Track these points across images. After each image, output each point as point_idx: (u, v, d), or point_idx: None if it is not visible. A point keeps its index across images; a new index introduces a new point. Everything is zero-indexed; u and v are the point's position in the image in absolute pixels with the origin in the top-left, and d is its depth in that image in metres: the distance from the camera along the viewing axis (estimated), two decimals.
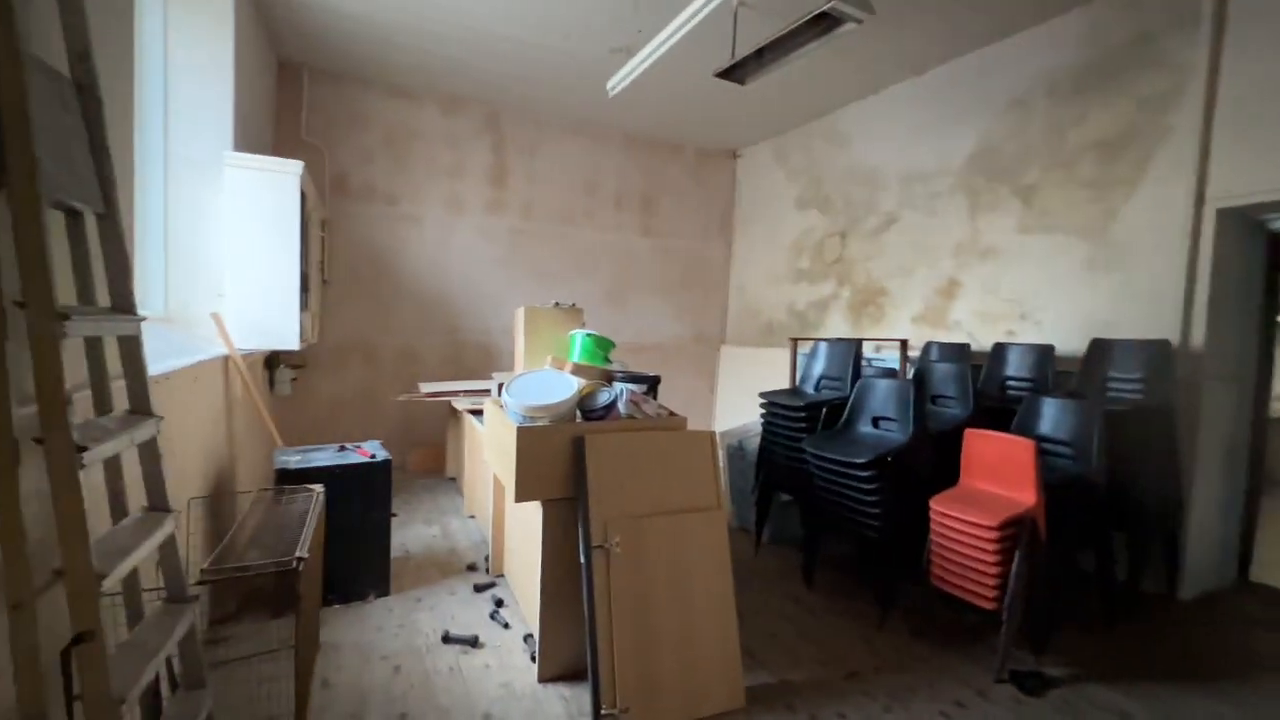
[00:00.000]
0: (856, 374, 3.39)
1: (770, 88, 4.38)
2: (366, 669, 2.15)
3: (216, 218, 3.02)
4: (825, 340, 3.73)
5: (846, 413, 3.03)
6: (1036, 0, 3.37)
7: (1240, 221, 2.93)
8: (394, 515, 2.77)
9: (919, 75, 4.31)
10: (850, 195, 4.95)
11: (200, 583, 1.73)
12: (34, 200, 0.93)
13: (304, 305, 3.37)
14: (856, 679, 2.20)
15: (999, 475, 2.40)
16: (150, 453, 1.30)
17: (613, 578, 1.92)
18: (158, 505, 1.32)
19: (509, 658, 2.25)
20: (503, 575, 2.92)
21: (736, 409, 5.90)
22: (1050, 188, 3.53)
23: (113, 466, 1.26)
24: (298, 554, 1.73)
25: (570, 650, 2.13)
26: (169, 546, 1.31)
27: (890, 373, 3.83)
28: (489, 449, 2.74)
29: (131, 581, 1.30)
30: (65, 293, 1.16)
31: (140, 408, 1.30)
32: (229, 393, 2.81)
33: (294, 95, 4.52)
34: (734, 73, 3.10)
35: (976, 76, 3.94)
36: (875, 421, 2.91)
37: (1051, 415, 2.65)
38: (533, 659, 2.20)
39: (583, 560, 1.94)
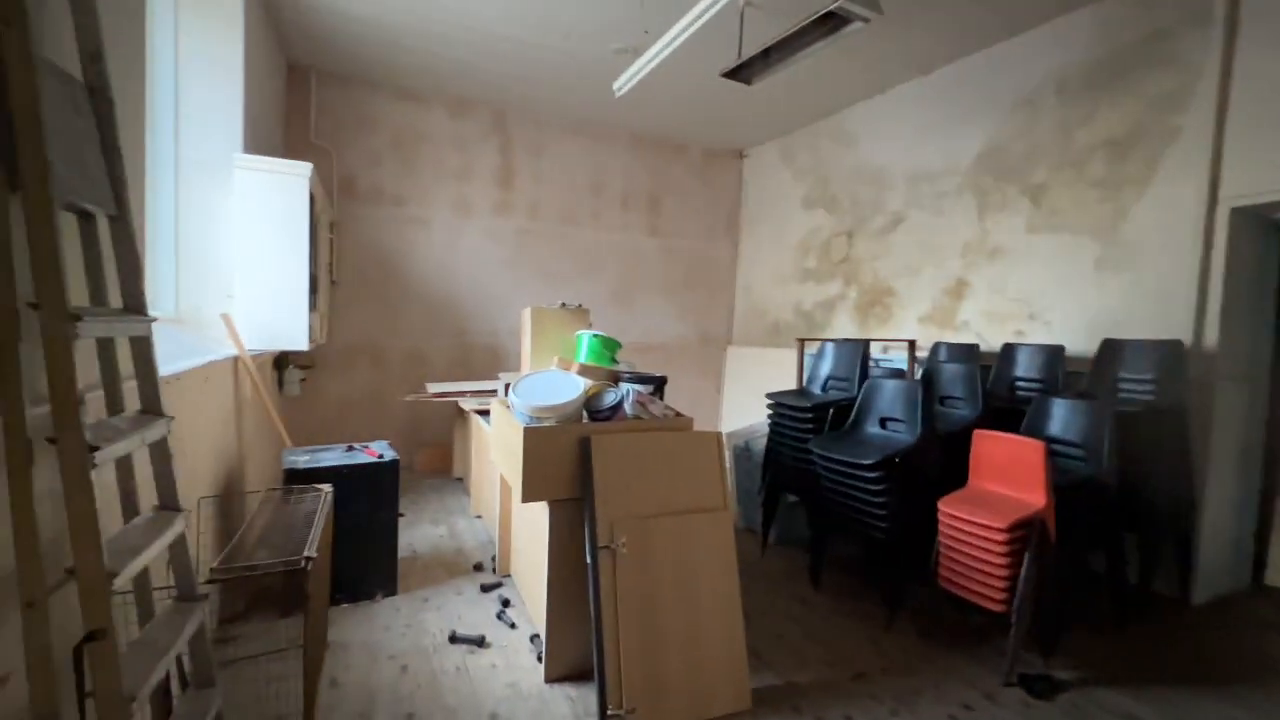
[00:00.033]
0: (864, 374, 3.37)
1: (777, 87, 4.37)
2: (374, 668, 2.16)
3: (226, 219, 3.04)
4: (832, 341, 3.71)
5: (854, 413, 3.01)
6: None
7: (1254, 220, 2.89)
8: (401, 515, 2.78)
9: (926, 75, 4.29)
10: (857, 195, 4.93)
11: (210, 581, 1.74)
12: (47, 203, 0.94)
13: (313, 306, 3.39)
14: (863, 681, 2.19)
15: (1008, 476, 2.38)
16: (161, 452, 1.31)
17: (619, 578, 1.92)
18: (168, 505, 1.33)
19: (515, 658, 2.26)
20: (509, 575, 2.92)
21: (743, 409, 5.89)
22: (1059, 187, 3.50)
23: (124, 466, 1.28)
24: (306, 554, 1.74)
25: (577, 650, 2.13)
26: (179, 546, 1.32)
27: (898, 373, 3.81)
28: (496, 449, 2.75)
29: (142, 580, 1.31)
30: (78, 294, 1.17)
31: (151, 408, 1.31)
32: (238, 393, 2.83)
33: (303, 97, 4.56)
34: (740, 73, 3.10)
35: (984, 76, 3.91)
36: (883, 422, 2.90)
37: (1062, 416, 2.62)
38: (539, 659, 2.20)
39: (589, 561, 1.94)
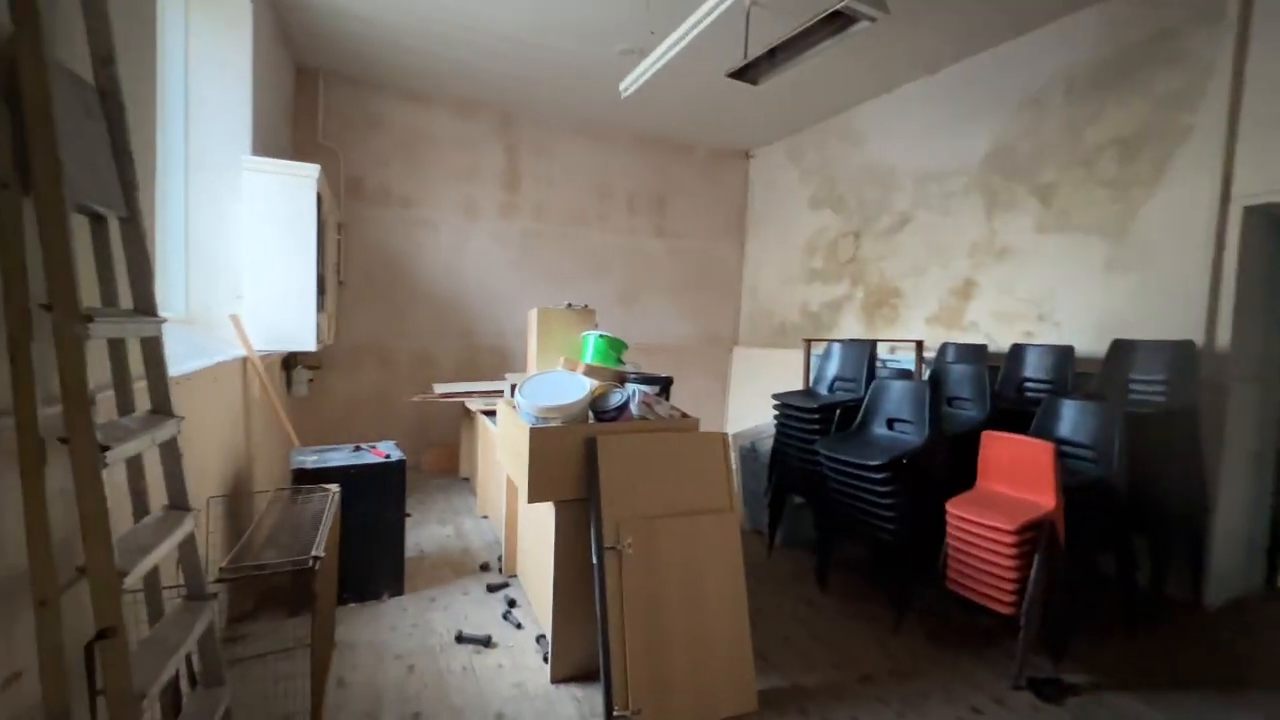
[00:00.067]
0: (871, 375, 3.36)
1: (783, 87, 4.36)
2: (381, 668, 2.17)
3: (235, 221, 3.06)
4: (839, 341, 3.70)
5: (861, 414, 3.00)
6: None
7: (1267, 219, 2.86)
8: (408, 515, 2.79)
9: (933, 74, 4.26)
10: (864, 195, 4.91)
11: (219, 581, 1.75)
12: (59, 205, 0.95)
13: (320, 307, 3.41)
14: (870, 683, 2.18)
15: (1017, 478, 2.36)
16: (171, 452, 1.32)
17: (625, 579, 1.92)
18: (178, 504, 1.34)
19: (522, 658, 2.26)
20: (515, 576, 2.93)
21: (749, 410, 5.88)
22: (1068, 187, 3.47)
23: (134, 466, 1.29)
24: (314, 553, 1.75)
25: (583, 651, 2.13)
26: (189, 545, 1.33)
27: (905, 374, 3.80)
28: (502, 450, 2.75)
29: (152, 579, 1.32)
30: (89, 295, 1.19)
31: (161, 408, 1.32)
32: (247, 393, 2.85)
33: (310, 99, 4.58)
34: (747, 73, 3.09)
35: (991, 75, 3.89)
36: (890, 423, 2.88)
37: (1071, 417, 2.60)
38: (545, 659, 2.20)
39: (595, 561, 1.94)
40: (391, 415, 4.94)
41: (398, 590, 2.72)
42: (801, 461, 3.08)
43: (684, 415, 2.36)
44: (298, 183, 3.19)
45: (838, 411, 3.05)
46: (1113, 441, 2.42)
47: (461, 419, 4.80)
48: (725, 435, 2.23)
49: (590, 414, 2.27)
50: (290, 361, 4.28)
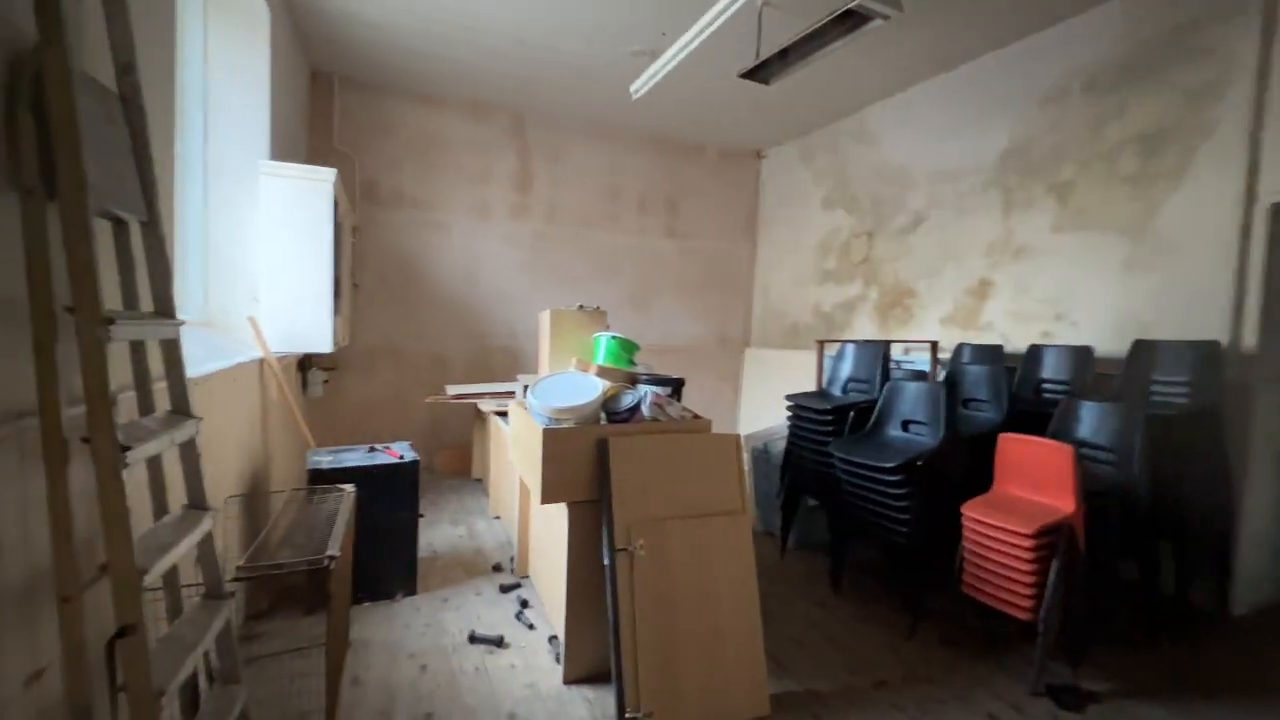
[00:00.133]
0: (885, 376, 3.32)
1: (795, 87, 4.34)
2: (395, 667, 2.19)
3: (253, 225, 3.11)
4: (852, 342, 3.67)
5: (875, 416, 2.97)
6: None
7: None
8: (421, 516, 2.81)
9: (948, 72, 4.22)
10: (877, 194, 4.86)
11: (236, 580, 1.77)
12: (82, 210, 0.97)
13: (336, 309, 3.45)
14: (885, 689, 2.15)
15: (1035, 481, 2.32)
16: (190, 452, 1.34)
17: (636, 581, 1.92)
18: (197, 503, 1.36)
19: (534, 659, 2.26)
20: (528, 576, 2.94)
21: (761, 412, 5.85)
22: (1087, 185, 3.41)
23: (154, 465, 1.31)
24: (329, 553, 1.77)
25: (595, 652, 2.13)
26: (207, 544, 1.35)
27: (920, 375, 3.75)
28: (514, 451, 2.77)
29: (171, 577, 1.34)
30: (111, 298, 1.21)
31: (180, 409, 1.34)
32: (264, 394, 2.89)
33: (326, 104, 4.64)
34: (759, 73, 3.08)
35: (1008, 72, 3.84)
36: (905, 425, 2.85)
37: (1091, 419, 2.56)
38: (557, 660, 2.21)
39: (607, 563, 1.94)
40: (405, 416, 4.98)
41: (411, 590, 2.74)
42: (815, 463, 3.06)
43: (696, 416, 2.35)
44: (314, 187, 3.23)
45: (851, 413, 3.03)
46: (1134, 444, 2.38)
47: (474, 420, 4.83)
48: (738, 436, 2.22)
49: (602, 415, 2.27)
50: (306, 363, 4.34)
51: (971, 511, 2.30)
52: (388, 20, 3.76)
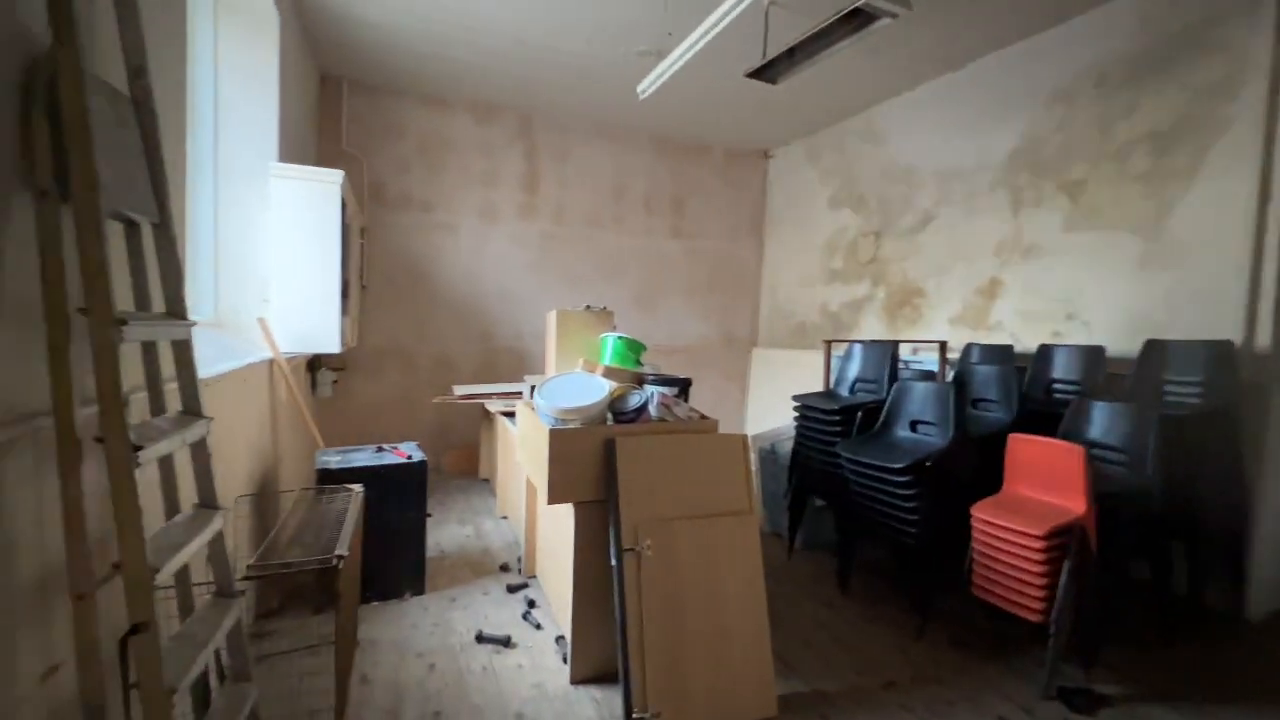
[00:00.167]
0: (893, 376, 3.31)
1: (802, 86, 4.32)
2: (403, 666, 2.20)
3: (262, 226, 3.13)
4: (860, 342, 3.65)
5: (883, 416, 2.96)
6: None
7: None
8: (429, 515, 2.82)
9: (956, 70, 4.19)
10: (885, 194, 4.84)
11: (246, 578, 1.79)
12: (95, 213, 0.98)
13: (344, 311, 3.47)
14: (893, 690, 2.14)
15: (1045, 482, 2.30)
16: (201, 452, 1.36)
17: (644, 581, 1.92)
18: (207, 503, 1.37)
19: (541, 658, 2.27)
20: (535, 576, 2.94)
21: (769, 412, 5.83)
22: (1099, 183, 3.38)
23: (166, 465, 1.32)
24: (338, 552, 1.78)
25: (602, 652, 2.13)
26: (218, 543, 1.36)
27: (928, 375, 3.73)
28: (522, 451, 2.77)
29: (183, 576, 1.36)
30: (123, 299, 1.22)
31: (192, 409, 1.35)
32: (274, 395, 2.91)
33: (335, 106, 4.68)
34: (765, 72, 3.07)
35: (1018, 69, 3.81)
36: (913, 425, 2.84)
37: (1102, 420, 2.53)
38: (565, 660, 2.21)
39: (614, 563, 1.94)
40: (413, 417, 5.00)
41: (419, 589, 2.75)
42: (822, 463, 3.04)
43: (703, 417, 2.35)
44: (323, 189, 3.25)
45: (859, 413, 3.01)
46: (1146, 445, 2.35)
47: (481, 420, 4.85)
48: (745, 437, 2.22)
49: (609, 416, 2.27)
50: (315, 364, 4.37)
51: (981, 512, 2.29)
52: (393, 23, 3.78)
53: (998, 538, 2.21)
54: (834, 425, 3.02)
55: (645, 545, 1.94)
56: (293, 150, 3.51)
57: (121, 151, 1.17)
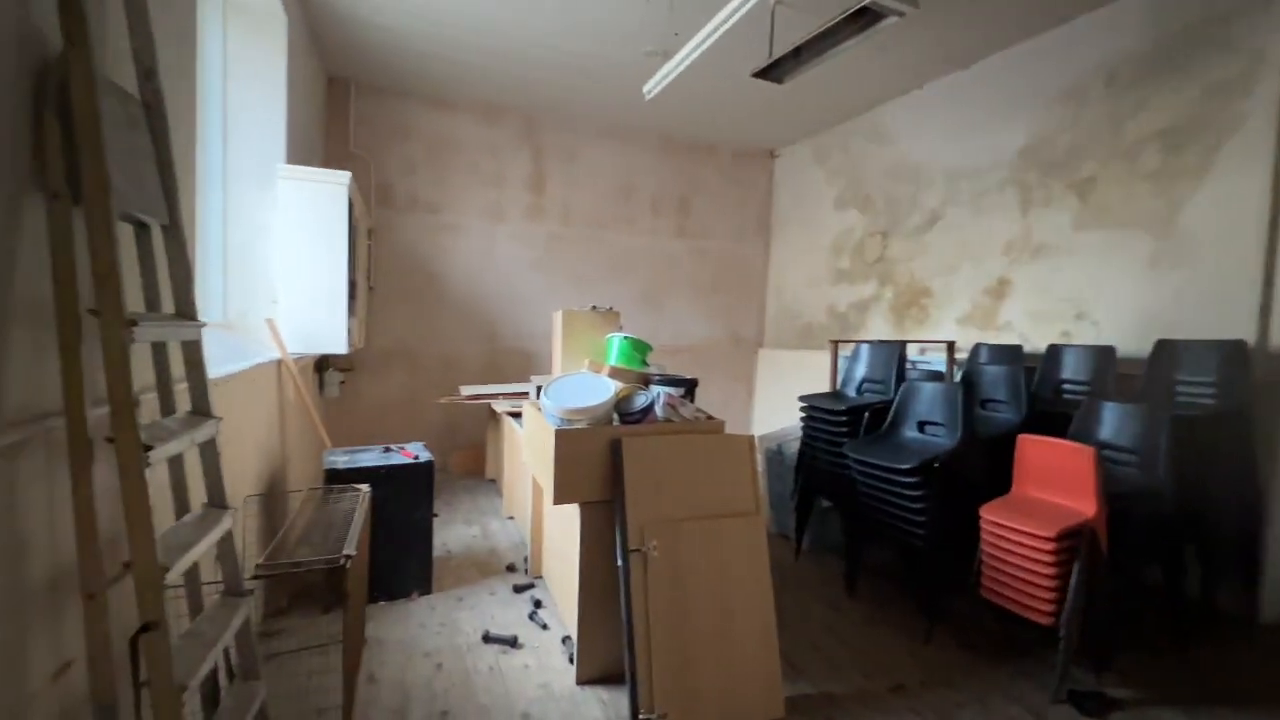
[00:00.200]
0: (900, 377, 3.29)
1: (809, 86, 4.31)
2: (410, 665, 2.20)
3: (271, 228, 3.15)
4: (867, 342, 3.63)
5: (890, 417, 2.94)
6: None
7: None
8: (436, 515, 2.83)
9: (965, 69, 4.17)
10: (892, 193, 4.82)
11: (255, 577, 1.80)
12: (106, 214, 0.99)
13: (352, 311, 3.49)
14: (901, 693, 2.12)
15: (1055, 483, 2.28)
16: (210, 452, 1.36)
17: (650, 582, 1.91)
18: (216, 502, 1.38)
19: (548, 659, 2.27)
20: (541, 577, 2.94)
21: (775, 413, 5.81)
22: (1109, 181, 3.35)
23: (176, 465, 1.33)
24: (346, 552, 1.79)
25: (608, 653, 2.12)
26: (227, 542, 1.37)
27: (936, 375, 3.71)
28: (528, 451, 2.77)
29: (192, 575, 1.37)
30: (133, 300, 1.23)
31: (201, 409, 1.36)
32: (282, 395, 2.93)
33: (342, 108, 4.70)
34: (771, 72, 3.06)
35: (1026, 68, 3.78)
36: (921, 426, 2.82)
37: (1113, 420, 2.50)
38: (571, 660, 2.21)
39: (620, 563, 1.94)
40: (420, 417, 5.02)
41: (426, 589, 2.76)
42: (829, 464, 3.03)
43: (709, 417, 2.34)
44: (330, 190, 3.27)
45: (866, 414, 3.00)
46: (1158, 446, 2.32)
47: (488, 421, 4.86)
48: (751, 437, 2.21)
49: (615, 416, 2.27)
50: (323, 364, 4.39)
51: (990, 514, 2.27)
52: (400, 25, 3.80)
53: (1007, 539, 2.20)
54: (841, 426, 3.01)
55: (651, 546, 1.94)
56: (300, 152, 3.53)
57: (132, 154, 1.18)
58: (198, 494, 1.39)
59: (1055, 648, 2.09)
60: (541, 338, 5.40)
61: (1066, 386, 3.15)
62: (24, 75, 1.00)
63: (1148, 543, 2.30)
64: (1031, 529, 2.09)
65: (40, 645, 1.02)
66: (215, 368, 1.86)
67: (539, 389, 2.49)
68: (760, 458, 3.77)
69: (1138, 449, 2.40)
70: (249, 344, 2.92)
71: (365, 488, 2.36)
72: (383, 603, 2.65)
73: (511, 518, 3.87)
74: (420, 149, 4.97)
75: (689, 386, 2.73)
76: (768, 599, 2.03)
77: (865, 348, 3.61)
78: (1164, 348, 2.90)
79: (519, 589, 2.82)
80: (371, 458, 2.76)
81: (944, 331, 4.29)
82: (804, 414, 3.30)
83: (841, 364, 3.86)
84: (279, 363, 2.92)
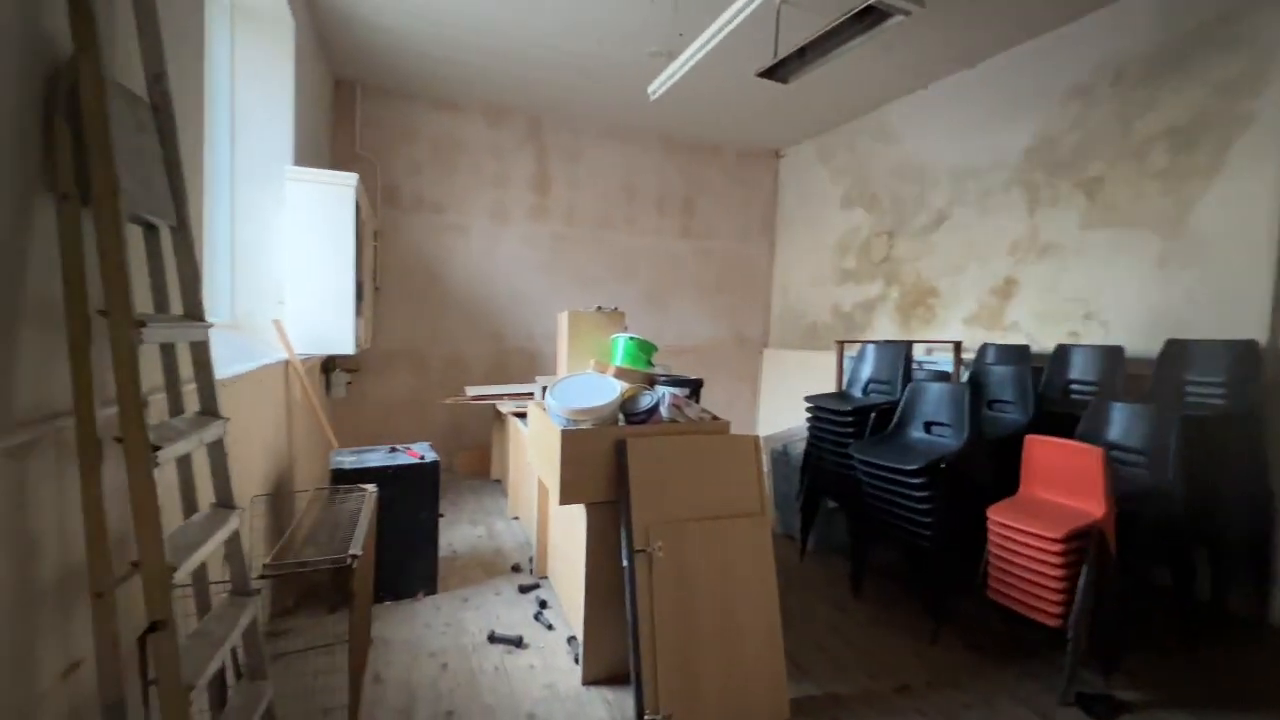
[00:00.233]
0: (906, 377, 3.27)
1: (814, 85, 4.30)
2: (416, 665, 2.21)
3: (278, 229, 3.17)
4: (873, 342, 3.62)
5: (897, 417, 2.93)
6: None
7: None
8: (441, 516, 2.84)
9: (971, 67, 4.15)
10: (898, 193, 4.80)
11: (262, 577, 1.81)
12: (115, 216, 1.00)
13: (358, 312, 3.50)
14: (907, 694, 2.11)
15: (1063, 484, 2.27)
16: (218, 452, 1.37)
17: (655, 582, 1.91)
18: (224, 502, 1.39)
19: (553, 659, 2.27)
20: (546, 577, 2.95)
21: (780, 413, 5.80)
22: (1117, 180, 3.33)
23: (184, 465, 1.34)
24: (352, 552, 1.79)
25: (613, 653, 2.12)
26: (234, 542, 1.38)
27: (943, 376, 3.69)
28: (533, 452, 2.78)
29: (200, 574, 1.37)
30: (142, 301, 1.24)
31: (209, 409, 1.37)
32: (289, 396, 2.94)
33: (349, 110, 4.73)
34: (776, 72, 3.06)
35: (1033, 66, 3.76)
36: (927, 427, 2.80)
37: (1122, 421, 2.49)
38: (576, 661, 2.21)
39: (625, 564, 1.94)
40: (425, 417, 5.04)
41: (432, 589, 2.76)
42: (835, 465, 3.02)
43: (714, 418, 2.34)
44: (337, 192, 3.28)
45: (872, 414, 2.99)
46: (1167, 447, 2.30)
47: (493, 421, 4.87)
48: (756, 438, 2.20)
49: (621, 416, 2.27)
50: (329, 365, 4.41)
51: (997, 515, 2.25)
52: (405, 27, 3.82)
53: (1014, 540, 2.18)
54: (847, 426, 3.00)
55: (657, 546, 1.94)
56: (307, 154, 3.55)
57: (141, 156, 1.19)
58: (205, 494, 1.40)
59: (1063, 649, 2.07)
60: (547, 338, 5.41)
61: (1074, 387, 3.13)
62: (35, 79, 1.01)
63: (1157, 544, 2.28)
64: (1039, 530, 2.08)
65: (50, 644, 1.03)
66: (223, 368, 1.87)
67: (544, 389, 2.49)
68: (765, 458, 3.76)
69: (1147, 450, 2.38)
70: (256, 345, 2.94)
71: (371, 488, 2.37)
72: (388, 603, 2.66)
73: (517, 518, 3.87)
74: (425, 150, 4.99)
75: (694, 387, 2.73)
76: (773, 600, 2.03)
77: (871, 348, 3.59)
78: (1174, 347, 2.88)
79: (524, 589, 2.82)
80: (378, 458, 2.77)
81: (950, 332, 4.27)
82: (810, 414, 3.29)
83: (847, 364, 3.85)
84: (286, 363, 2.94)
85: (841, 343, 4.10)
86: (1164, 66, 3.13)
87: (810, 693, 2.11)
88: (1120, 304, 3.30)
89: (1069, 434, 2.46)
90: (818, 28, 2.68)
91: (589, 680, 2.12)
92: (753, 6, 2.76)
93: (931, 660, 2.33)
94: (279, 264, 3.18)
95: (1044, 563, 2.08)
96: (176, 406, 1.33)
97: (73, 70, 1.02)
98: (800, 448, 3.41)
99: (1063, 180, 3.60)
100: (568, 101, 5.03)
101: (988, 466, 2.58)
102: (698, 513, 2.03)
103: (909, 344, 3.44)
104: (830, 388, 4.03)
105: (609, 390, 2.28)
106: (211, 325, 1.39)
